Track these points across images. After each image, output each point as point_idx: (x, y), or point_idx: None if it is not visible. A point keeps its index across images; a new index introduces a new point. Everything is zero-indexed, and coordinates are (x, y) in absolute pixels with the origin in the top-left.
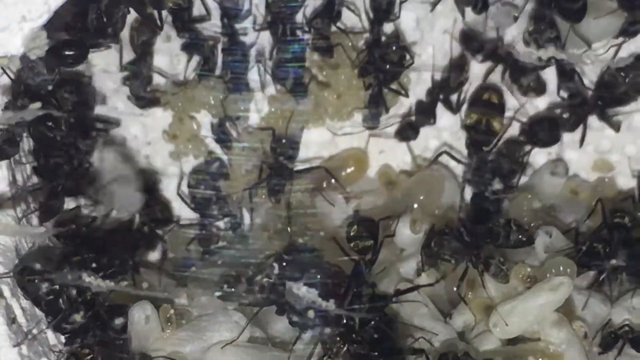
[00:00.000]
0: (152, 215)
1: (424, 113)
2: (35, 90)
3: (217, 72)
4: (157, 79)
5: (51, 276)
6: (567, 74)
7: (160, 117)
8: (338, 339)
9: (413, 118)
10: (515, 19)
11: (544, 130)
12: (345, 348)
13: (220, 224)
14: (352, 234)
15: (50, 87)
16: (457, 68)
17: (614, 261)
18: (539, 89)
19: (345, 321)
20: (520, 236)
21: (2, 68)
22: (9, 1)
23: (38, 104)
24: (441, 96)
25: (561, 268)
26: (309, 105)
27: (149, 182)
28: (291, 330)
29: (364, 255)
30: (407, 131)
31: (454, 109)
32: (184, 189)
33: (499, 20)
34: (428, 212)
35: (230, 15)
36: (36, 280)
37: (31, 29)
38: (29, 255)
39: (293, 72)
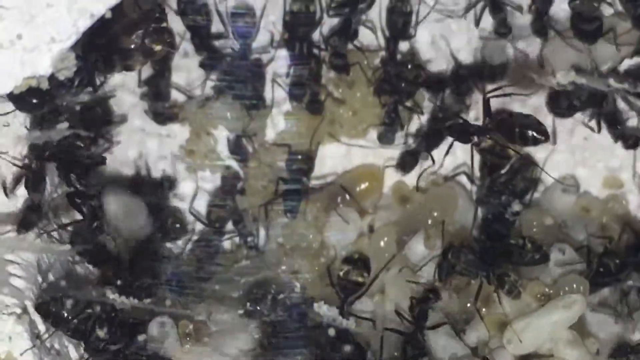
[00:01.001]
0: (165, 230)
1: (426, 146)
2: (63, 110)
3: (235, 88)
4: (175, 95)
5: (76, 293)
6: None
7: (178, 132)
8: None
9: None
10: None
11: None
12: None
13: (236, 239)
14: (341, 274)
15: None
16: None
17: (629, 282)
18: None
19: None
20: (535, 254)
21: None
22: (39, 22)
23: (65, 124)
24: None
25: (574, 286)
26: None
27: (155, 197)
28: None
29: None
30: (406, 162)
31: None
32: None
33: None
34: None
35: (245, 34)
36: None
37: (60, 50)
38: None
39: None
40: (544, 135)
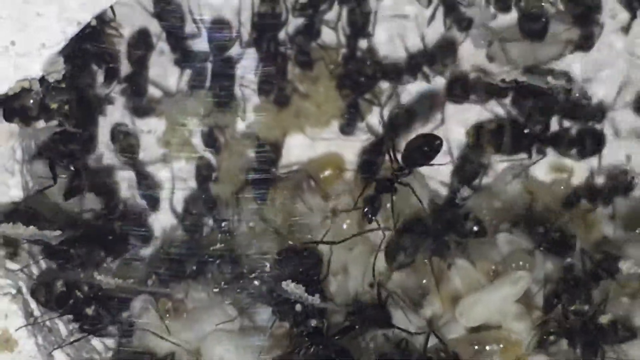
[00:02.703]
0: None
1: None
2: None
3: (207, 84)
4: (152, 90)
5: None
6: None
7: (155, 124)
8: (307, 338)
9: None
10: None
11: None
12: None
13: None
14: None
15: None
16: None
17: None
18: None
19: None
20: (475, 226)
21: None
22: (31, 30)
23: (55, 122)
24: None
25: (521, 263)
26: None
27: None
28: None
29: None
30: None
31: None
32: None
33: (477, 42)
34: (399, 210)
35: (217, 38)
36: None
37: (49, 55)
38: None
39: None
40: None
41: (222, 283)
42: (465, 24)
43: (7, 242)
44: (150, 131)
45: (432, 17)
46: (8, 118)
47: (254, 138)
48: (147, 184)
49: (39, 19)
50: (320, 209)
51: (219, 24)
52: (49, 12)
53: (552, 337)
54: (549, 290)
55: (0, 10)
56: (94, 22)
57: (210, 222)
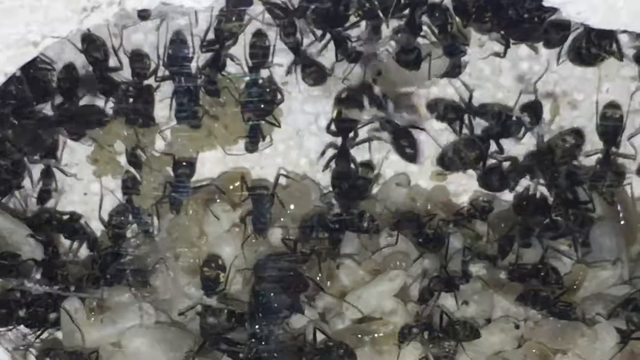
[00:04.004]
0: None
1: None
2: None
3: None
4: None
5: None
6: None
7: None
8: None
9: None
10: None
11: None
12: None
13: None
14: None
15: None
16: None
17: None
18: None
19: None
20: (365, 222)
21: None
22: None
23: None
24: None
25: (398, 263)
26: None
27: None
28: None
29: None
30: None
31: None
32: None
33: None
34: (299, 217)
35: (137, 69)
36: None
37: None
38: None
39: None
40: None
41: (132, 289)
42: (353, 57)
43: None
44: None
45: (323, 47)
46: None
47: (171, 155)
48: None
49: None
50: (228, 217)
51: (138, 57)
52: None
53: (414, 330)
54: (424, 285)
55: None
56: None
57: (134, 228)
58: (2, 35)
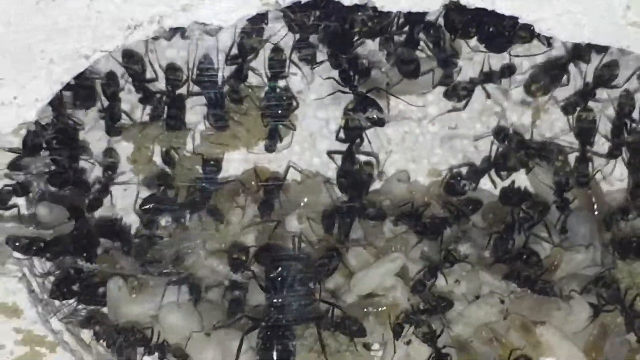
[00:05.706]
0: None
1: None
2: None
3: (164, 116)
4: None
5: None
6: None
7: (125, 146)
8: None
9: None
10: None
11: None
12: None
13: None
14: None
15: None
16: None
17: None
18: None
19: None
20: (373, 210)
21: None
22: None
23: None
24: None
25: (399, 246)
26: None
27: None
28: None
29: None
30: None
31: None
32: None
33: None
34: (312, 209)
35: (171, 80)
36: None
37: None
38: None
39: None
40: None
41: (170, 266)
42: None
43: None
44: None
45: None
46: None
47: (200, 155)
48: None
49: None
50: (252, 209)
51: (172, 69)
52: (40, 76)
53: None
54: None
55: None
56: (72, 82)
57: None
58: (59, 50)
